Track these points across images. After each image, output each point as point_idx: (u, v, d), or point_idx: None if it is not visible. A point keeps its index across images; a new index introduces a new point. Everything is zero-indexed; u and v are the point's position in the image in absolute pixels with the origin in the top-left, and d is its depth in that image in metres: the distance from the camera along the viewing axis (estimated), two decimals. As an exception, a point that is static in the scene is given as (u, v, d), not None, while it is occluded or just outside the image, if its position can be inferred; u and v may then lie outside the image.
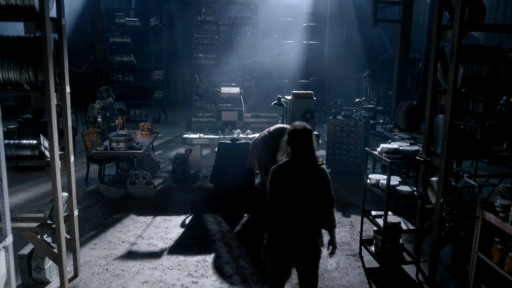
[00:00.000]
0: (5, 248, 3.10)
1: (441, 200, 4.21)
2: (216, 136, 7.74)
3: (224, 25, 13.12)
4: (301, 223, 3.19)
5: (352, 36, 16.64)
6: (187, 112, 16.71)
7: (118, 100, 12.46)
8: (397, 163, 4.49)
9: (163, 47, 14.74)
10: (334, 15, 15.38)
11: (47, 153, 4.07)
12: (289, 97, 8.58)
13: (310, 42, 15.13)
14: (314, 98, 8.54)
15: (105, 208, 6.54)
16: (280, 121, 8.52)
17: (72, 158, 4.30)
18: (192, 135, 7.78)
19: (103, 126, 10.05)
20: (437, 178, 4.50)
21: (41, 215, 4.30)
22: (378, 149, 4.71)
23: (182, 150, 8.71)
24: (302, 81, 15.34)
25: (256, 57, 12.98)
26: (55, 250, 4.13)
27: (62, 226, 4.09)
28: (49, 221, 4.13)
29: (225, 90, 8.39)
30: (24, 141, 4.03)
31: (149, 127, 8.19)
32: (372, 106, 10.26)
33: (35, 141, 4.05)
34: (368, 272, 4.74)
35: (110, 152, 6.79)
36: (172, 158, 9.56)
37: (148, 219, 6.14)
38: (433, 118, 4.58)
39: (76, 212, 4.46)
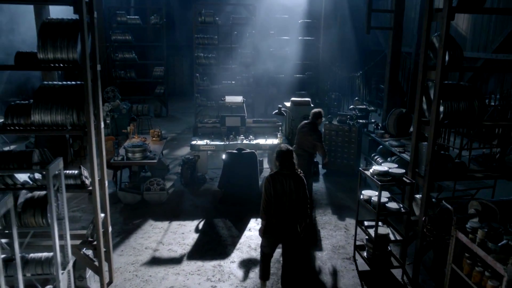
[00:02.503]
0: (68, 272, 3.80)
1: (423, 219, 4.97)
2: (222, 143, 8.40)
3: (224, 26, 13.57)
4: (286, 214, 4.57)
5: (346, 31, 17.15)
6: (186, 104, 17.33)
7: (122, 95, 13.00)
8: (387, 185, 5.22)
9: (163, 43, 15.17)
10: (328, 11, 15.84)
11: (87, 182, 4.72)
12: (287, 104, 9.26)
13: (305, 38, 15.65)
14: (312, 105, 9.23)
15: (124, 213, 7.25)
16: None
17: (106, 183, 4.97)
18: (199, 142, 8.42)
19: (111, 126, 10.68)
20: (420, 196, 5.25)
21: (81, 231, 5.00)
22: (371, 170, 5.44)
23: (187, 149, 9.31)
24: (297, 75, 15.93)
25: (254, 56, 13.52)
26: (96, 263, 4.84)
27: (102, 243, 4.79)
28: (90, 239, 4.82)
29: (229, 99, 9.00)
30: (68, 172, 4.67)
31: (159, 134, 8.81)
32: (364, 107, 10.92)
33: (76, 171, 4.69)
34: (361, 274, 5.53)
35: (127, 162, 7.43)
36: (178, 158, 10.29)
37: (165, 224, 6.86)
38: (418, 144, 5.30)
39: (110, 228, 5.16)
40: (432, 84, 4.99)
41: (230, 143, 8.37)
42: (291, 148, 4.70)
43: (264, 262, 4.93)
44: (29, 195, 3.75)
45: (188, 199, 7.95)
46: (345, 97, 15.46)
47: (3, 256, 3.38)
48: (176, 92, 19.31)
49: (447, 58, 4.85)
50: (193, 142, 8.45)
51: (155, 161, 7.50)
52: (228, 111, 10.37)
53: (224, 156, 7.80)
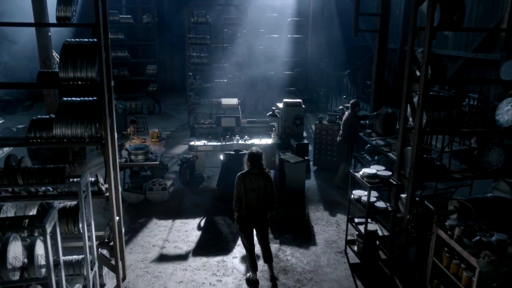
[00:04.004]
0: (94, 272, 4.25)
1: (408, 216, 5.53)
2: (219, 143, 8.84)
3: (215, 25, 13.90)
4: (255, 207, 5.37)
5: (333, 29, 17.64)
6: (179, 100, 17.67)
7: (115, 93, 13.29)
8: (375, 187, 5.76)
9: (155, 42, 15.44)
10: (316, 9, 16.28)
11: (103, 188, 5.14)
12: (280, 104, 9.73)
13: (294, 36, 16.09)
14: (303, 106, 9.73)
15: (129, 213, 7.67)
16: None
17: (120, 188, 5.40)
18: (197, 143, 8.84)
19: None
20: (405, 195, 5.81)
21: (96, 233, 5.44)
22: (361, 173, 5.98)
23: (183, 147, 9.64)
24: (287, 72, 16.39)
25: (246, 54, 13.92)
26: (113, 262, 5.29)
27: (118, 244, 5.24)
28: (106, 240, 5.26)
29: (225, 101, 9.41)
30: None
31: (158, 135, 9.21)
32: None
33: (93, 178, 5.11)
34: (352, 267, 6.09)
35: (130, 164, 7.83)
36: (175, 156, 10.71)
37: (169, 223, 7.32)
38: (403, 149, 5.84)
39: (123, 230, 5.60)
40: (416, 94, 5.51)
41: (227, 143, 8.81)
42: (260, 151, 5.50)
43: (249, 256, 5.64)
44: (61, 205, 4.17)
45: (189, 197, 8.42)
46: (332, 93, 16.01)
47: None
48: (167, 88, 19.59)
49: (429, 71, 5.39)
50: (192, 143, 8.87)
51: (157, 162, 7.91)
52: (222, 110, 10.78)
53: (221, 157, 8.26)
